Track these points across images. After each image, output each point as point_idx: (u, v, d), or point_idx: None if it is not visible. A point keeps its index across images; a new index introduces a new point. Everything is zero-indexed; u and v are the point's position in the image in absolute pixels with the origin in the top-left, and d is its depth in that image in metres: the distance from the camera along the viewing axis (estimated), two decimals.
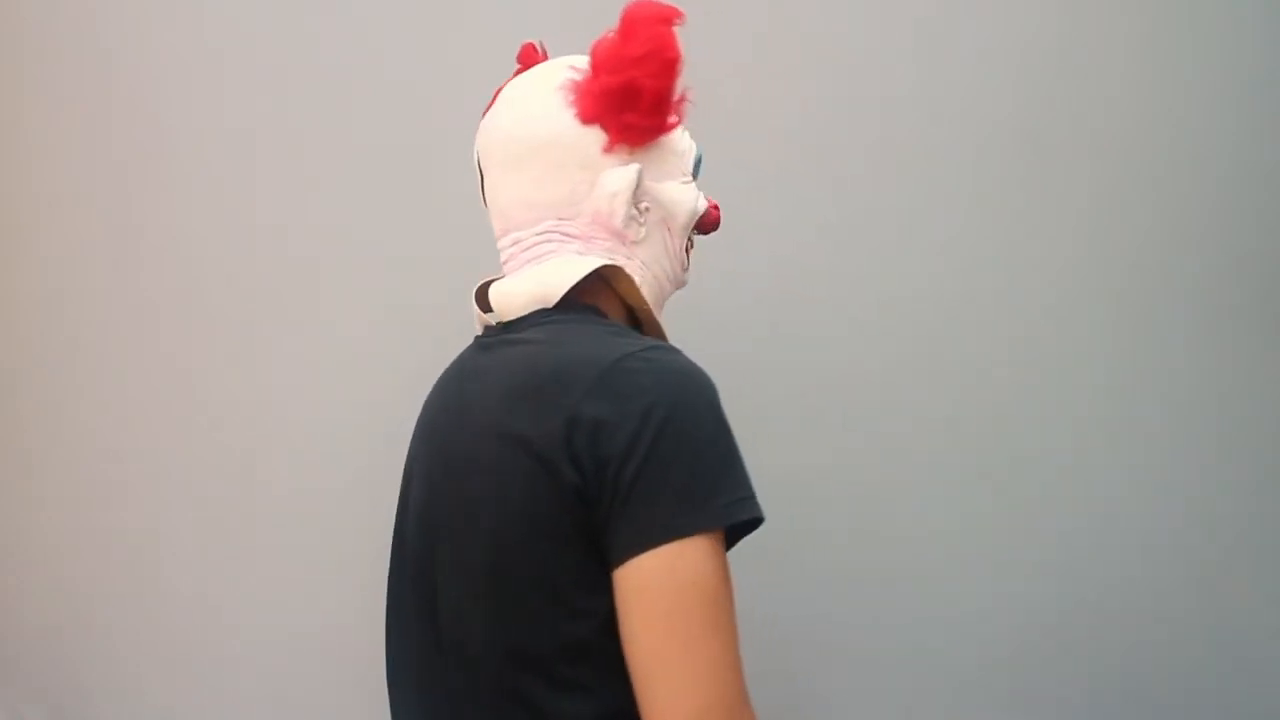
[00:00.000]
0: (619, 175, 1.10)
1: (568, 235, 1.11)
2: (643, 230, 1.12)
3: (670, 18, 1.10)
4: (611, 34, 1.11)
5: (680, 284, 1.19)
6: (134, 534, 1.75)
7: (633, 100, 1.09)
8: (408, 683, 1.13)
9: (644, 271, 1.13)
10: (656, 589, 0.94)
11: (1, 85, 1.78)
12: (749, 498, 0.97)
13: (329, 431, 1.70)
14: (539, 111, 1.11)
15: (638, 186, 1.11)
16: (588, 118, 1.10)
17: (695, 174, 1.18)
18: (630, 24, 1.09)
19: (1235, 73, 1.67)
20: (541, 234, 1.12)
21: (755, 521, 0.97)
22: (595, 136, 1.10)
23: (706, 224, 1.18)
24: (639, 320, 1.14)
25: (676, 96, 1.12)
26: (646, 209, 1.12)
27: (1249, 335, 1.68)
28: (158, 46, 1.72)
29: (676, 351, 1.03)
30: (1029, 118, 1.67)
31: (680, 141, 1.16)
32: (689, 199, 1.15)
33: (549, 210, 1.11)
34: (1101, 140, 1.67)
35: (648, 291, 1.13)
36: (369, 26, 1.70)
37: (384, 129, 1.69)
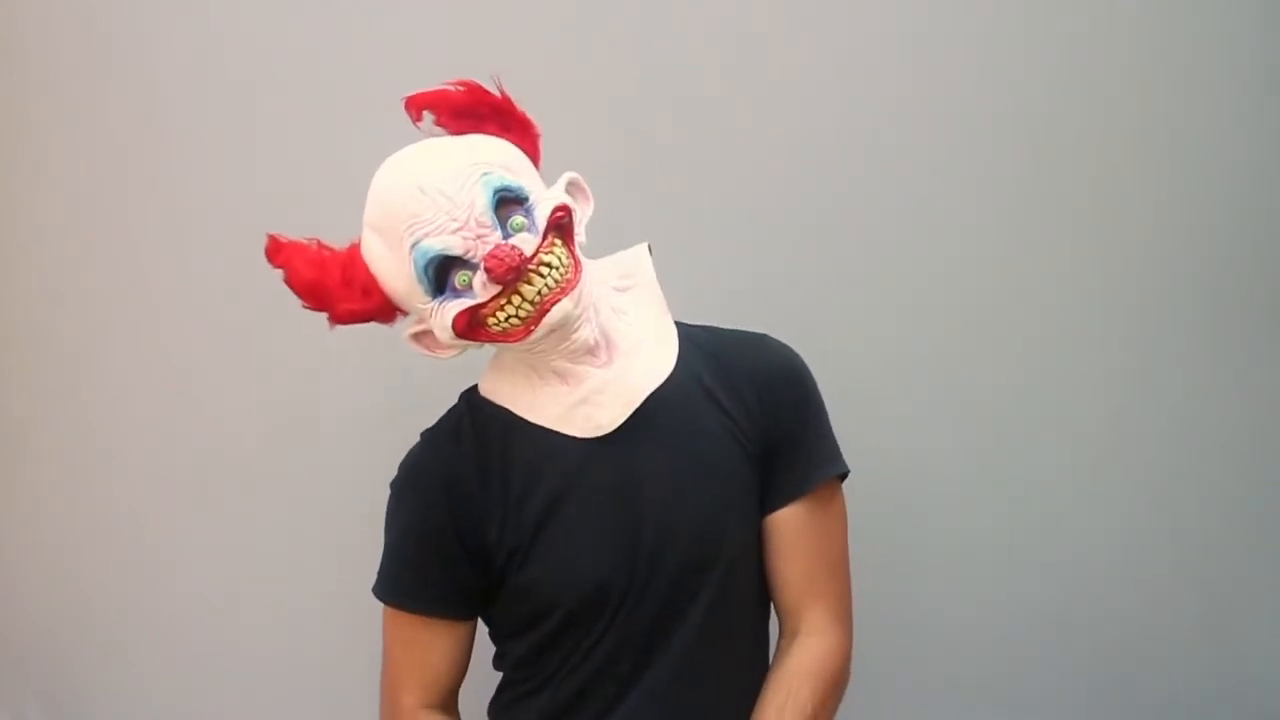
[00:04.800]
0: None
1: None
2: None
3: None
4: None
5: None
6: (134, 533, 1.75)
7: None
8: None
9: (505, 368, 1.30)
10: None
11: (2, 86, 1.78)
12: None
13: (331, 431, 1.70)
14: None
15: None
16: None
17: (435, 282, 1.16)
18: None
19: (1237, 72, 1.67)
20: None
21: None
22: None
23: (496, 280, 1.14)
24: None
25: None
26: None
27: (1254, 336, 1.68)
28: (159, 46, 1.72)
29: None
30: (1029, 118, 1.67)
31: (402, 286, 1.19)
32: (440, 328, 1.19)
33: None
34: (1102, 141, 1.67)
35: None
36: (372, 27, 1.69)
37: (388, 130, 1.68)
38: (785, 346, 1.31)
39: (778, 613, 1.30)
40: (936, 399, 1.68)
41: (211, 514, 1.73)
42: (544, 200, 1.17)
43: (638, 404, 1.21)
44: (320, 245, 1.25)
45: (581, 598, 1.22)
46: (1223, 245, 1.68)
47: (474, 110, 1.21)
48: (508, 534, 1.24)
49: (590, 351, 1.21)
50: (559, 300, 1.15)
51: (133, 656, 1.76)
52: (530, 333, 1.16)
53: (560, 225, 1.18)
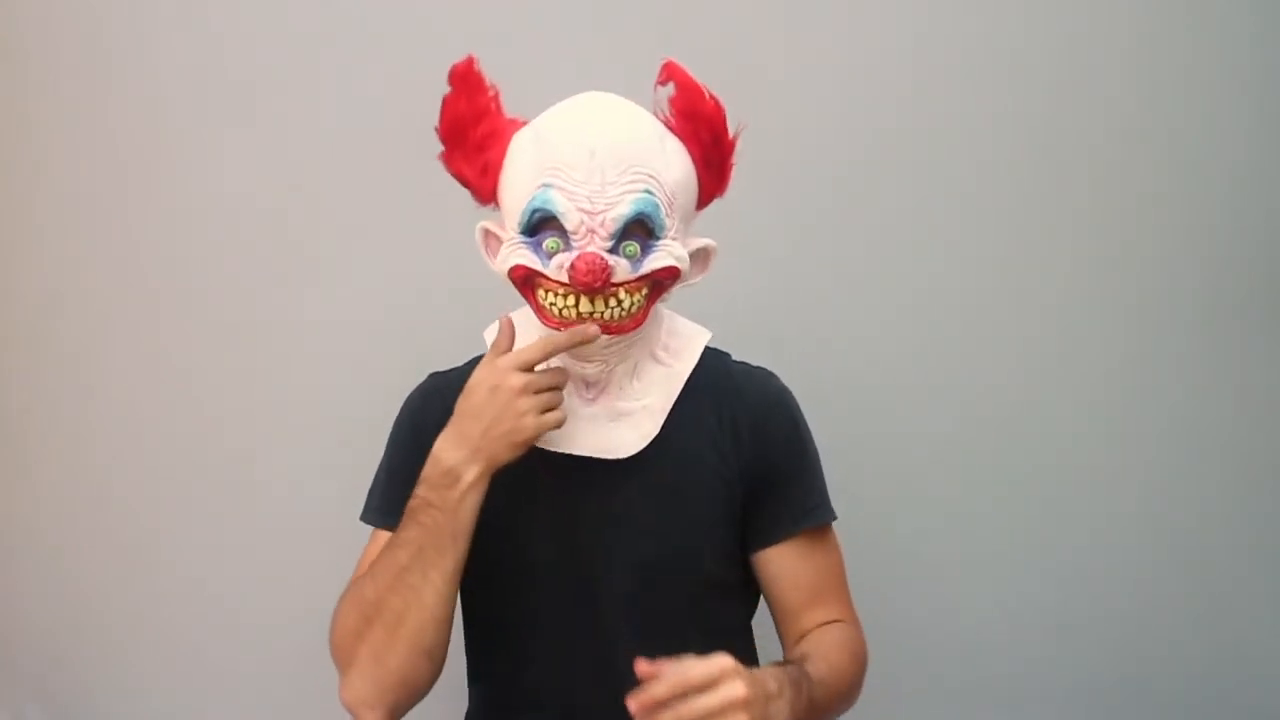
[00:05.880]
0: None
1: None
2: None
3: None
4: None
5: (579, 337, 1.15)
6: (134, 533, 1.75)
7: None
8: None
9: (529, 320, 1.22)
10: None
11: (1, 86, 1.78)
12: None
13: (330, 430, 1.70)
14: None
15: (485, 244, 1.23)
16: None
17: (532, 226, 1.15)
18: None
19: (1237, 73, 1.67)
20: None
21: None
22: None
23: (571, 279, 1.13)
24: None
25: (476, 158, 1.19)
26: None
27: (1254, 336, 1.68)
28: (159, 46, 1.72)
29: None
30: (1029, 118, 1.67)
31: (510, 200, 1.18)
32: (501, 259, 1.19)
33: None
34: (1102, 141, 1.67)
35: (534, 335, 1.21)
36: (372, 27, 1.69)
37: (388, 128, 1.69)
38: (784, 386, 1.32)
39: (784, 640, 1.27)
40: (936, 399, 1.68)
41: (212, 514, 1.73)
42: (667, 250, 1.16)
43: (576, 454, 1.21)
44: (495, 98, 1.20)
45: (507, 573, 1.22)
46: (1223, 245, 1.68)
47: (699, 124, 1.18)
48: None
49: (586, 383, 1.23)
50: (596, 332, 1.15)
51: (133, 656, 1.75)
52: (556, 328, 1.17)
53: (658, 282, 1.18)
